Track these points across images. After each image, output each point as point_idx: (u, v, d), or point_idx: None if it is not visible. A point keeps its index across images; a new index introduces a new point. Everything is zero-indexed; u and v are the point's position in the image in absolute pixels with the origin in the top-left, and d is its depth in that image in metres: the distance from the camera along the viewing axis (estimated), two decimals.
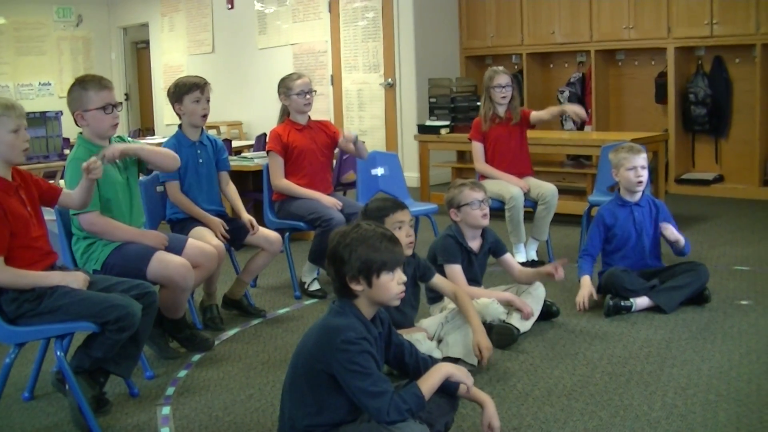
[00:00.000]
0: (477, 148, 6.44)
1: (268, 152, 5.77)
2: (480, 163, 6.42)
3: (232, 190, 5.30)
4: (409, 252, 4.04)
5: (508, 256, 4.90)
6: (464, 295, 4.27)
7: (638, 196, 5.18)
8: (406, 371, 3.20)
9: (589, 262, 5.16)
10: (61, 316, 3.54)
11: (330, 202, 5.56)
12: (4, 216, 3.49)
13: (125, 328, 3.56)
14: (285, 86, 5.74)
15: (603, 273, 5.13)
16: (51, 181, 7.78)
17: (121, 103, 4.25)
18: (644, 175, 5.12)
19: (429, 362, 3.19)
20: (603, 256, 5.23)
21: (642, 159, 5.12)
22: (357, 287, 2.94)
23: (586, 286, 5.01)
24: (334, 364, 2.85)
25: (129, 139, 4.49)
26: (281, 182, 5.67)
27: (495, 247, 4.86)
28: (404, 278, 3.02)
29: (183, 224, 5.03)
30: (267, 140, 5.84)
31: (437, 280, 4.35)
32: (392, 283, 2.96)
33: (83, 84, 4.17)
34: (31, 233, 3.63)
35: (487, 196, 4.79)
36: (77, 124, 4.24)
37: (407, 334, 3.92)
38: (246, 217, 5.15)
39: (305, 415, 2.94)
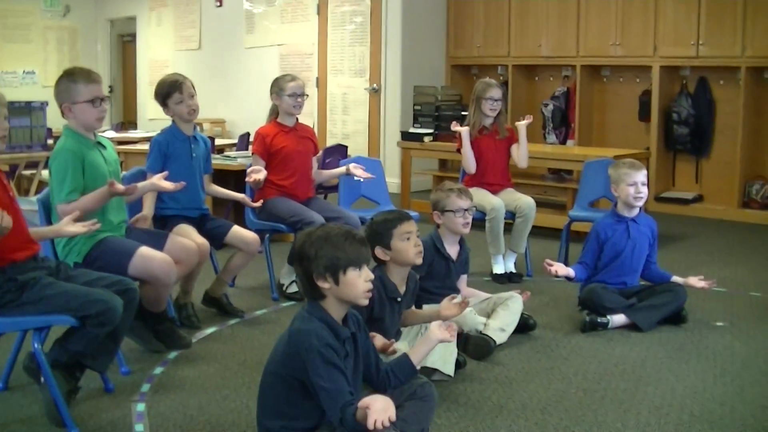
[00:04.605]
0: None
1: (252, 154, 5.80)
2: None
3: (214, 187, 5.44)
4: (419, 261, 4.05)
5: (464, 277, 4.93)
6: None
7: (636, 212, 5.22)
8: (370, 381, 3.17)
9: (581, 270, 5.19)
10: (42, 308, 3.53)
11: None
12: None
13: (106, 323, 3.55)
14: (278, 86, 5.76)
15: (584, 288, 5.17)
16: (33, 172, 7.83)
17: (109, 96, 4.21)
18: (644, 191, 5.17)
19: (392, 378, 3.18)
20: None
21: (642, 175, 5.17)
22: (324, 285, 2.95)
23: (567, 270, 5.10)
24: (300, 369, 2.87)
25: (104, 139, 4.46)
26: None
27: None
28: (371, 276, 3.03)
29: (167, 221, 5.01)
30: (252, 139, 5.88)
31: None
32: (359, 280, 2.98)
33: (72, 76, 4.17)
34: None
35: (472, 205, 4.82)
36: (64, 116, 4.24)
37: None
38: (239, 195, 5.53)
39: (279, 420, 2.96)
